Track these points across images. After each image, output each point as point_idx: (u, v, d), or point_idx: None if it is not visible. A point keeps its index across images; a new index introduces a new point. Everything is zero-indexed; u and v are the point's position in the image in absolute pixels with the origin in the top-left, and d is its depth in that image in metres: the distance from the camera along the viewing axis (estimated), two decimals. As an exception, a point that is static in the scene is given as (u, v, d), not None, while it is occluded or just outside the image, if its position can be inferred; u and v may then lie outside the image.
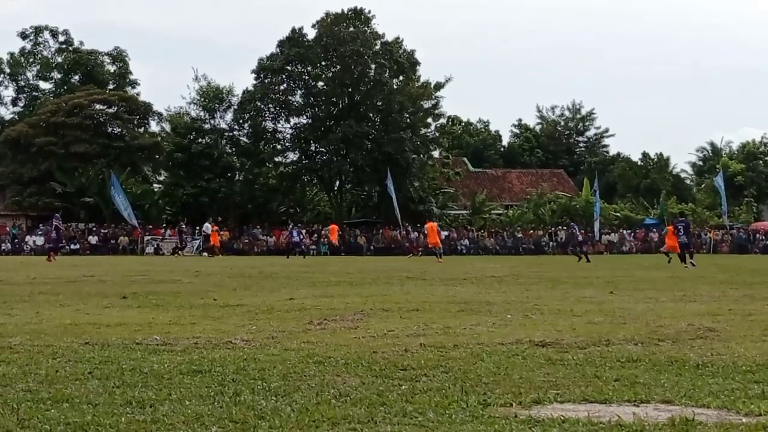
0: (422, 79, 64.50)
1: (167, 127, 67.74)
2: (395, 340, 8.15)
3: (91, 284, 17.97)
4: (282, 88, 63.40)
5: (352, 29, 61.61)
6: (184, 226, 56.11)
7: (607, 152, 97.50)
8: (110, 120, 64.50)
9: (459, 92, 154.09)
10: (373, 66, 61.83)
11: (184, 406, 5.08)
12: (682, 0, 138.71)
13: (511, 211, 71.07)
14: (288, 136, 64.93)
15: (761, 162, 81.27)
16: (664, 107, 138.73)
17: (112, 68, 73.16)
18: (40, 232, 57.00)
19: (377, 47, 62.22)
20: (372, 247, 57.92)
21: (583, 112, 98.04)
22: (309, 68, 62.93)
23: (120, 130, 64.31)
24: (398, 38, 63.15)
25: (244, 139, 65.42)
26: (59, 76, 72.45)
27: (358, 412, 4.90)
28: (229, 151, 65.38)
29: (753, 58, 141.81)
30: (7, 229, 58.41)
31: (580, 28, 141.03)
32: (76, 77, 71.57)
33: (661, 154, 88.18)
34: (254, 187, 64.13)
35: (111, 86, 71.02)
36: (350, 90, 62.25)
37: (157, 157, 65.66)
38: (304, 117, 64.46)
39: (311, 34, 62.35)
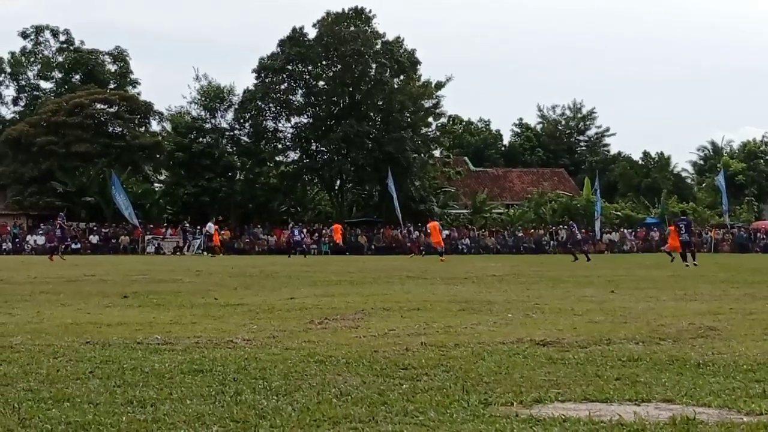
0: (423, 79, 64.63)
1: (168, 126, 67.85)
2: (396, 339, 8.15)
3: (92, 283, 17.97)
4: (283, 87, 63.43)
5: (352, 29, 61.65)
6: (187, 225, 56.06)
7: (608, 151, 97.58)
8: (111, 119, 64.52)
9: (460, 92, 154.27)
10: (373, 65, 61.88)
11: (185, 405, 5.08)
12: (683, 0, 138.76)
13: (512, 210, 71.08)
14: (289, 135, 65.04)
15: (762, 161, 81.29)
16: (664, 106, 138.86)
17: (112, 68, 73.20)
18: (41, 232, 57.06)
19: (378, 47, 62.25)
20: (373, 247, 57.94)
21: (584, 111, 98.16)
22: (310, 68, 62.96)
23: (121, 129, 64.33)
24: (399, 38, 63.26)
25: (245, 138, 65.47)
26: (60, 75, 72.49)
27: (359, 411, 4.90)
28: (230, 150, 65.44)
29: (754, 57, 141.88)
30: (8, 228, 58.45)
31: (581, 27, 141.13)
32: (77, 77, 71.60)
33: (662, 154, 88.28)
34: (255, 187, 64.18)
35: (112, 86, 71.06)
36: (351, 89, 62.29)
37: (158, 156, 65.69)
38: (305, 116, 64.53)
39: (312, 33, 62.50)
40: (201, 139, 63.84)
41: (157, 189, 67.36)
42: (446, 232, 56.18)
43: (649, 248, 60.32)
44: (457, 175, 70.93)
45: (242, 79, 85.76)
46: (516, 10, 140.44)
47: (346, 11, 62.52)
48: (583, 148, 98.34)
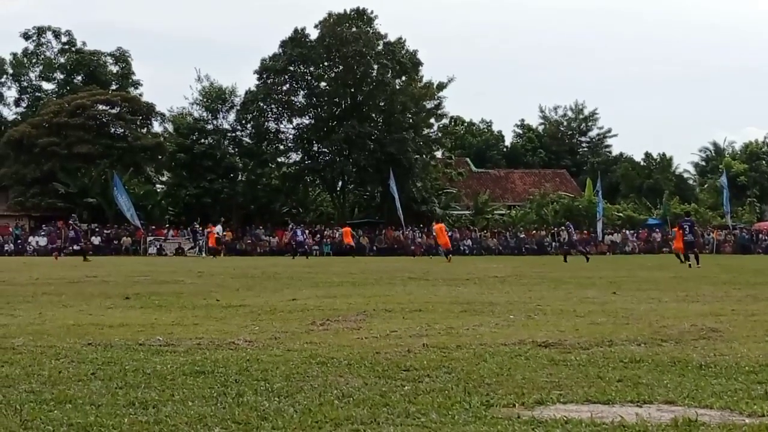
0: (425, 80, 64.63)
1: (170, 127, 67.85)
2: (398, 340, 8.15)
3: (93, 285, 17.98)
4: (284, 88, 63.44)
5: (354, 29, 61.66)
6: (197, 226, 56.00)
7: (610, 152, 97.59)
8: (113, 120, 64.53)
9: (461, 93, 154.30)
10: (375, 66, 61.89)
11: (187, 406, 5.08)
12: (683, 0, 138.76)
13: (514, 211, 71.07)
14: (291, 136, 65.08)
15: (764, 162, 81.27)
16: (666, 107, 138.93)
17: (114, 69, 73.21)
18: (43, 233, 57.10)
19: (380, 47, 62.27)
20: (375, 248, 57.93)
21: (586, 112, 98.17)
22: (311, 69, 62.98)
23: (123, 130, 64.33)
24: (401, 38, 63.29)
25: (247, 139, 65.50)
26: (62, 76, 72.52)
27: (361, 412, 4.90)
28: (232, 151, 65.45)
29: (755, 57, 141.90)
30: (10, 229, 58.47)
31: (582, 28, 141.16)
32: (79, 78, 71.63)
33: (663, 155, 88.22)
34: (257, 188, 64.19)
35: (114, 87, 71.08)
36: (353, 90, 62.30)
37: (160, 157, 65.68)
38: (307, 117, 64.56)
39: (314, 34, 62.53)
40: (203, 141, 63.86)
41: (158, 190, 67.38)
42: (448, 233, 56.12)
43: (651, 249, 60.36)
44: (458, 176, 70.94)
45: (244, 80, 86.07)
46: (518, 10, 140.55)
47: (348, 12, 62.55)
48: (585, 149, 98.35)
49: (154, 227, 59.33)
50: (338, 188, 65.51)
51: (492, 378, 6.02)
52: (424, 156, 64.20)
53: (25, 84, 72.92)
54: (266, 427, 4.61)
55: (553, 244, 60.89)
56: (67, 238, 44.24)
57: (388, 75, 62.12)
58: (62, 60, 72.35)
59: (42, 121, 62.41)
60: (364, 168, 61.09)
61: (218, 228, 52.30)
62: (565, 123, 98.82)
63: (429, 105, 64.55)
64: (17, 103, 73.13)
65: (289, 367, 6.48)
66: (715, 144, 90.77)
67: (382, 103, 62.44)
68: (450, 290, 16.01)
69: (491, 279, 20.41)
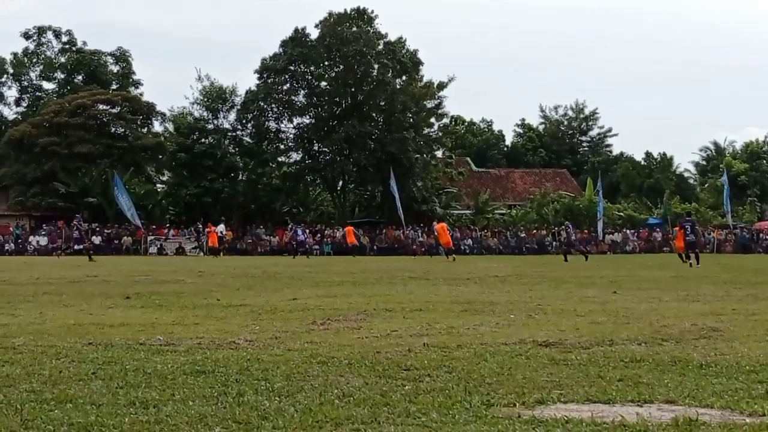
0: (425, 79, 64.62)
1: (170, 127, 67.85)
2: (398, 340, 8.15)
3: (94, 284, 17.98)
4: (285, 88, 63.45)
5: (355, 29, 61.66)
6: (201, 226, 56.01)
7: (611, 152, 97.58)
8: (113, 120, 64.53)
9: (462, 92, 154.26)
10: (376, 66, 61.89)
11: (188, 406, 5.08)
12: (683, 0, 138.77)
13: (515, 210, 71.07)
14: (291, 136, 65.08)
15: (765, 161, 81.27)
16: (667, 107, 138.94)
17: (115, 68, 73.19)
18: (43, 233, 57.11)
19: (380, 47, 62.27)
20: (375, 247, 57.93)
21: (587, 111, 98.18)
22: (312, 68, 62.96)
23: (123, 130, 64.32)
24: (401, 38, 63.29)
25: (247, 139, 65.50)
26: (62, 76, 72.52)
27: (361, 412, 4.90)
28: (232, 151, 65.45)
29: (756, 57, 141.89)
30: (11, 229, 58.47)
31: (583, 28, 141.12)
32: (80, 77, 71.63)
33: (664, 154, 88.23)
34: (257, 187, 64.18)
35: (114, 86, 71.07)
36: (353, 90, 62.30)
37: (161, 157, 65.69)
38: (307, 117, 64.56)
39: (314, 34, 62.52)
40: (203, 140, 63.87)
41: (159, 190, 67.40)
42: (450, 233, 56.11)
43: (652, 249, 60.34)
44: (459, 175, 70.95)
45: (244, 80, 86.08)
46: (517, 10, 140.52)
47: (349, 12, 62.55)
48: (586, 148, 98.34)
49: (154, 227, 59.34)
50: (339, 188, 65.51)
51: (492, 377, 6.02)
52: (424, 155, 64.21)
53: (26, 83, 72.92)
54: (267, 427, 4.61)
55: (554, 243, 60.89)
56: (71, 237, 44.23)
57: (389, 74, 62.12)
58: (63, 60, 72.34)
59: (42, 120, 62.41)
60: (365, 167, 61.10)
61: (221, 227, 52.31)
62: (565, 122, 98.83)
63: (429, 104, 64.56)
64: (18, 102, 73.18)
65: (289, 367, 6.48)
66: (715, 143, 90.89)
67: (383, 103, 62.45)
68: (450, 290, 16.01)
69: (492, 278, 20.41)
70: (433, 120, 66.02)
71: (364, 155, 60.45)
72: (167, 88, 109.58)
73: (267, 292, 15.59)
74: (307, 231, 54.56)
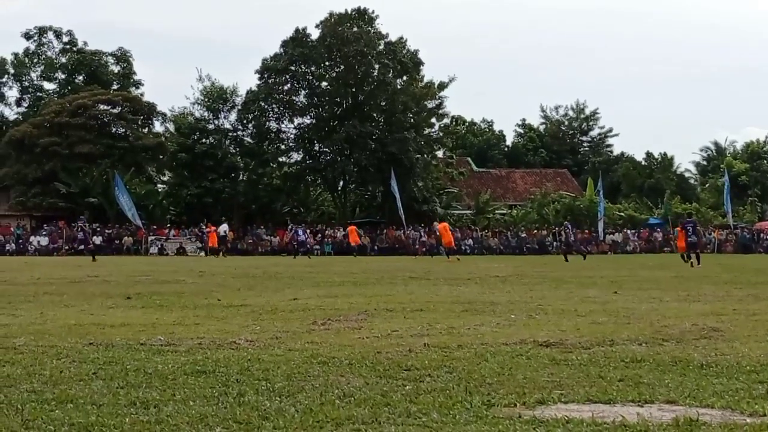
0: (426, 79, 64.59)
1: (171, 127, 67.82)
2: (399, 340, 8.15)
3: (95, 285, 17.99)
4: (286, 88, 63.42)
5: (355, 29, 61.64)
6: (204, 227, 55.99)
7: (611, 152, 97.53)
8: (114, 120, 64.53)
9: (462, 92, 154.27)
10: (376, 66, 61.86)
11: (188, 406, 5.08)
12: (684, 0, 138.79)
13: (515, 210, 71.04)
14: (292, 136, 65.01)
15: (765, 161, 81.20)
16: (667, 107, 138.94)
17: (115, 69, 73.18)
18: (44, 233, 57.11)
19: (381, 47, 62.24)
20: (376, 247, 57.92)
21: (587, 111, 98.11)
22: (313, 68, 62.94)
23: (124, 130, 64.30)
24: (402, 38, 63.27)
25: (248, 139, 65.47)
26: (63, 76, 72.51)
27: (362, 412, 4.90)
28: (233, 151, 65.44)
29: (756, 57, 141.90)
30: (12, 229, 58.45)
31: (583, 28, 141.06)
32: (80, 78, 71.63)
33: (665, 154, 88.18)
34: (258, 188, 64.15)
35: (115, 86, 71.07)
36: (354, 90, 62.28)
37: (161, 157, 65.67)
38: (308, 117, 64.53)
39: (315, 34, 62.46)
40: (204, 140, 63.83)
41: (160, 190, 67.35)
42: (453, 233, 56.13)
43: (652, 249, 60.32)
44: (460, 175, 70.93)
45: (245, 80, 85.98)
46: (517, 10, 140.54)
47: (349, 12, 62.52)
48: (586, 148, 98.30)
49: (155, 227, 59.31)
50: (339, 188, 65.49)
51: (493, 378, 6.02)
52: (425, 156, 64.19)
53: (27, 84, 72.92)
54: (267, 427, 4.61)
55: (554, 243, 60.90)
56: (75, 238, 44.25)
57: (389, 75, 62.09)
58: (63, 60, 72.35)
59: (43, 120, 62.40)
60: (366, 168, 61.08)
61: (224, 227, 52.34)
62: (566, 122, 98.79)
63: (430, 105, 64.53)
64: (18, 103, 73.16)
65: (290, 367, 6.48)
66: (716, 143, 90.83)
67: (383, 103, 62.42)
68: (451, 290, 16.01)
69: (492, 278, 20.41)
70: (433, 120, 66.01)
71: (365, 155, 60.43)
72: (168, 89, 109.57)
73: (268, 292, 15.59)
74: (308, 231, 54.53)
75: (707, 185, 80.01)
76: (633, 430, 4.55)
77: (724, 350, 7.33)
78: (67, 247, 45.86)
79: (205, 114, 65.11)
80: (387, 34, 62.81)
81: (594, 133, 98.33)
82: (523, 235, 62.82)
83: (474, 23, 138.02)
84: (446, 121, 69.43)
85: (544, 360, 6.86)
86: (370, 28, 62.40)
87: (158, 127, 68.70)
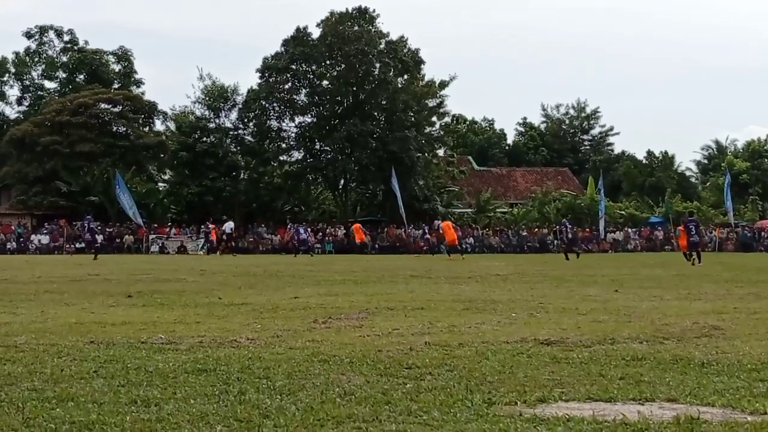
0: (427, 78, 64.61)
1: (172, 126, 67.92)
2: (400, 338, 8.15)
3: (96, 283, 17.99)
4: (287, 87, 63.46)
5: (356, 28, 61.67)
6: (210, 225, 55.98)
7: (612, 150, 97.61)
8: (115, 119, 64.60)
9: (463, 91, 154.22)
10: (377, 65, 61.89)
11: (189, 404, 5.08)
12: (684, 0, 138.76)
13: (516, 209, 71.04)
14: (293, 134, 65.05)
15: (766, 160, 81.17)
16: (668, 106, 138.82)
17: (116, 67, 73.27)
18: (45, 231, 57.13)
19: (382, 46, 62.27)
20: (377, 246, 57.92)
21: (588, 110, 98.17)
22: (314, 67, 62.97)
23: (125, 129, 64.39)
24: (402, 37, 63.31)
25: (249, 138, 65.53)
26: (64, 75, 72.61)
27: (362, 410, 4.90)
28: (234, 150, 65.50)
29: (757, 56, 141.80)
30: (13, 228, 58.50)
31: (584, 27, 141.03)
32: (81, 76, 71.71)
33: (666, 153, 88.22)
34: (259, 186, 64.21)
35: (116, 85, 71.17)
36: (355, 89, 62.31)
37: (162, 156, 65.75)
38: (309, 116, 64.56)
39: (316, 33, 62.52)
40: (205, 139, 63.89)
41: (161, 188, 67.44)
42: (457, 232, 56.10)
43: (653, 247, 60.31)
44: (461, 174, 70.92)
45: (246, 79, 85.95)
46: (518, 9, 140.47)
47: (350, 11, 62.55)
48: (587, 147, 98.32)
49: (156, 225, 59.36)
50: (340, 186, 65.52)
51: (494, 376, 6.02)
52: (426, 154, 64.22)
53: (28, 83, 73.01)
54: (268, 425, 4.60)
55: (555, 242, 60.89)
56: (81, 237, 44.28)
57: (390, 73, 62.11)
58: (64, 59, 72.42)
59: (44, 119, 62.47)
60: (366, 166, 61.09)
61: (230, 224, 52.36)
62: (567, 121, 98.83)
63: (431, 103, 64.56)
64: (20, 101, 73.31)
65: (291, 365, 6.48)
66: (717, 142, 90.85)
67: (384, 102, 62.45)
68: (452, 288, 16.00)
69: (493, 277, 20.40)
70: (434, 119, 66.06)
71: (366, 154, 60.44)
72: (169, 87, 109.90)
73: (268, 290, 15.59)
74: (309, 230, 54.54)
75: (708, 184, 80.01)
76: (634, 428, 4.55)
77: (725, 348, 7.32)
78: (76, 245, 45.84)
79: (206, 113, 65.22)
80: (388, 33, 62.96)
81: (595, 131, 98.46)
82: (524, 233, 62.84)
83: (475, 22, 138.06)
84: (447, 119, 69.53)
85: (545, 358, 6.86)
86: (370, 27, 62.42)
87: (159, 125, 68.97)
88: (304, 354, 7.07)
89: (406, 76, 63.23)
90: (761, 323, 9.33)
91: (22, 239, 56.76)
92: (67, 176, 60.03)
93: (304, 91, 63.96)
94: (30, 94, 73.05)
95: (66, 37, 72.50)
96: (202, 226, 56.33)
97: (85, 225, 41.56)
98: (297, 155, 65.72)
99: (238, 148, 65.70)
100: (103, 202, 59.05)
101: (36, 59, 72.64)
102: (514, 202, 74.64)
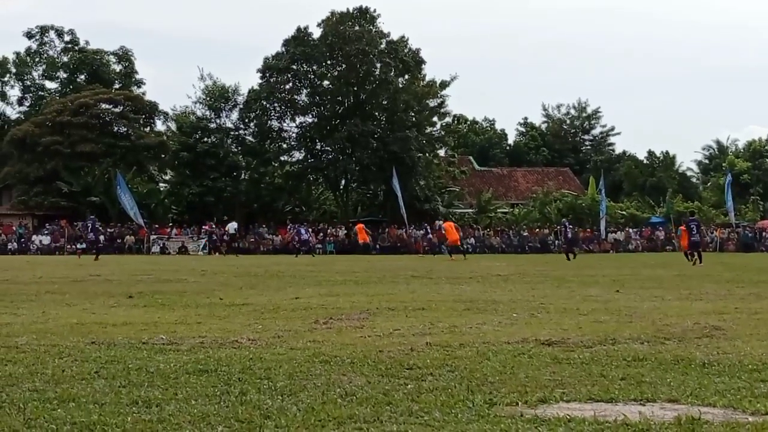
0: (427, 78, 64.57)
1: (173, 126, 67.90)
2: (401, 339, 8.15)
3: (97, 283, 18.00)
4: (287, 87, 63.43)
5: (357, 28, 61.64)
6: (213, 226, 56.01)
7: (613, 150, 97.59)
8: (116, 119, 64.59)
9: (464, 91, 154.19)
10: (378, 65, 61.86)
11: (190, 405, 5.08)
12: (684, 0, 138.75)
13: (517, 209, 71.03)
14: (294, 135, 65.01)
15: (767, 160, 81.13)
16: (669, 106, 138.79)
17: (117, 68, 73.27)
18: (46, 232, 57.14)
19: (383, 46, 62.23)
20: (378, 246, 57.90)
21: (589, 110, 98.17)
22: (314, 67, 62.93)
23: (126, 129, 64.39)
24: (403, 37, 63.26)
25: (250, 138, 65.51)
26: (65, 75, 72.60)
27: (364, 411, 4.90)
28: (235, 150, 65.47)
29: (758, 56, 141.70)
30: (14, 228, 58.50)
31: (585, 26, 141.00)
32: (82, 77, 71.71)
33: (667, 153, 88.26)
34: (260, 186, 64.20)
35: (117, 86, 71.16)
36: (356, 89, 62.28)
37: (163, 156, 65.73)
38: (310, 116, 64.52)
39: (317, 33, 62.47)
40: (206, 139, 63.87)
41: (162, 189, 67.42)
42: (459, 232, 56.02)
43: (654, 248, 60.26)
44: (461, 174, 70.89)
45: (247, 79, 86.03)
46: (519, 8, 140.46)
47: (351, 11, 62.51)
48: (588, 147, 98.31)
49: (157, 226, 59.33)
50: (341, 187, 65.49)
51: (495, 376, 6.02)
52: (427, 154, 64.18)
53: (29, 83, 73.01)
54: (269, 426, 4.61)
55: (556, 242, 60.87)
56: (85, 237, 44.31)
57: (391, 73, 62.07)
58: (65, 59, 72.42)
59: (45, 120, 62.46)
60: (367, 166, 61.06)
61: (233, 225, 52.34)
62: (568, 121, 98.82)
63: (432, 103, 64.50)
64: (20, 102, 73.31)
65: (292, 366, 6.48)
66: (718, 142, 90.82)
67: (385, 102, 62.43)
68: (453, 288, 16.00)
69: (494, 277, 20.40)
70: (435, 119, 65.97)
71: (367, 154, 60.41)
72: (170, 88, 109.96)
73: (269, 291, 15.59)
74: (310, 230, 54.53)
75: (709, 184, 79.98)
76: (635, 428, 4.55)
77: (726, 349, 7.32)
78: (77, 246, 45.91)
79: (207, 113, 65.18)
80: (389, 33, 62.89)
81: (596, 131, 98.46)
82: (525, 233, 62.82)
83: (475, 22, 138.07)
84: (448, 119, 69.40)
85: (546, 359, 6.86)
86: (371, 27, 62.39)
87: (160, 126, 68.96)
88: (306, 354, 7.07)
89: (407, 76, 63.19)
90: (762, 324, 9.33)
91: (23, 240, 56.76)
92: (68, 176, 60.02)
93: (304, 91, 63.92)
94: (31, 95, 73.06)
95: (67, 37, 72.55)
96: (203, 227, 56.40)
97: (89, 225, 41.57)
98: (298, 155, 65.74)
99: (239, 148, 65.68)
100: (104, 202, 59.03)
101: (37, 59, 72.64)
102: (515, 203, 74.63)
